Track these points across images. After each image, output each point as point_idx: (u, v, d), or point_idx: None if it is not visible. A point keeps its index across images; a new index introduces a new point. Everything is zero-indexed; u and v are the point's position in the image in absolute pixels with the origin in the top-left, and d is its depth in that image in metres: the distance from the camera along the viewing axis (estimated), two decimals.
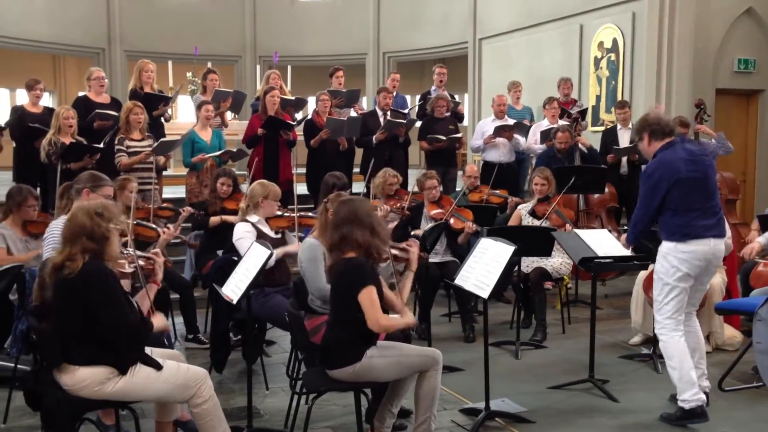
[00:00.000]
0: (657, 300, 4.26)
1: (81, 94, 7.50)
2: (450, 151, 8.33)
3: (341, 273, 3.48)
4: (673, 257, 4.15)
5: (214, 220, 5.97)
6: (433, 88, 9.18)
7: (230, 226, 5.60)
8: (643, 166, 6.07)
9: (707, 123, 7.94)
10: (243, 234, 4.89)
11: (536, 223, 6.27)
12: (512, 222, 6.43)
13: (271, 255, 3.86)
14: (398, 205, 6.19)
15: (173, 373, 3.27)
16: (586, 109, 9.58)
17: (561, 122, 8.18)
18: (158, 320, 3.49)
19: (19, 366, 4.35)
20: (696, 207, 4.12)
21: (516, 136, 8.33)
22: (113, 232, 3.20)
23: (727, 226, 4.76)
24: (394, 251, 3.86)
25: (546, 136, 8.08)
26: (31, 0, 14.17)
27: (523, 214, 6.43)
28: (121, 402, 3.28)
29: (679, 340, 4.16)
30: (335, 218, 3.57)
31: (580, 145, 7.82)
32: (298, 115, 9.06)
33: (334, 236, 3.54)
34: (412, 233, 6.13)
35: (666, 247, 4.19)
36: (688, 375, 4.11)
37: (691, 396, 4.08)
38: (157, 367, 3.23)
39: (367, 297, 3.37)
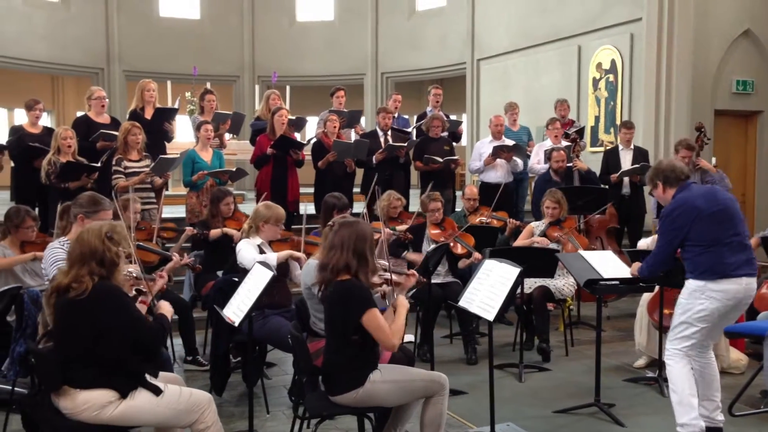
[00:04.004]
0: (674, 331, 4.16)
1: (81, 113, 7.46)
2: (446, 172, 8.20)
3: (337, 296, 3.41)
4: (701, 295, 4.01)
5: (215, 232, 5.93)
6: (429, 108, 9.17)
7: (230, 245, 5.58)
8: (646, 187, 6.00)
9: (707, 145, 7.93)
10: (245, 246, 4.88)
11: None
12: (523, 237, 6.39)
13: (274, 277, 3.82)
14: (400, 227, 6.15)
15: (175, 398, 3.20)
16: (583, 127, 9.58)
17: (564, 143, 8.15)
18: (164, 307, 3.46)
19: (16, 389, 4.28)
20: (725, 241, 4.00)
21: (514, 158, 8.28)
22: (122, 257, 3.19)
23: None
24: (392, 276, 3.79)
25: (549, 156, 8.04)
26: (30, 20, 14.21)
27: (535, 233, 6.39)
28: (120, 427, 3.21)
29: (685, 366, 4.10)
30: (332, 239, 3.54)
31: (577, 168, 7.79)
32: (298, 135, 9.05)
33: (323, 257, 3.53)
34: (406, 255, 6.11)
35: (694, 285, 4.03)
36: (687, 399, 4.05)
37: (689, 420, 4.02)
38: (156, 391, 3.17)
39: (373, 321, 3.32)
